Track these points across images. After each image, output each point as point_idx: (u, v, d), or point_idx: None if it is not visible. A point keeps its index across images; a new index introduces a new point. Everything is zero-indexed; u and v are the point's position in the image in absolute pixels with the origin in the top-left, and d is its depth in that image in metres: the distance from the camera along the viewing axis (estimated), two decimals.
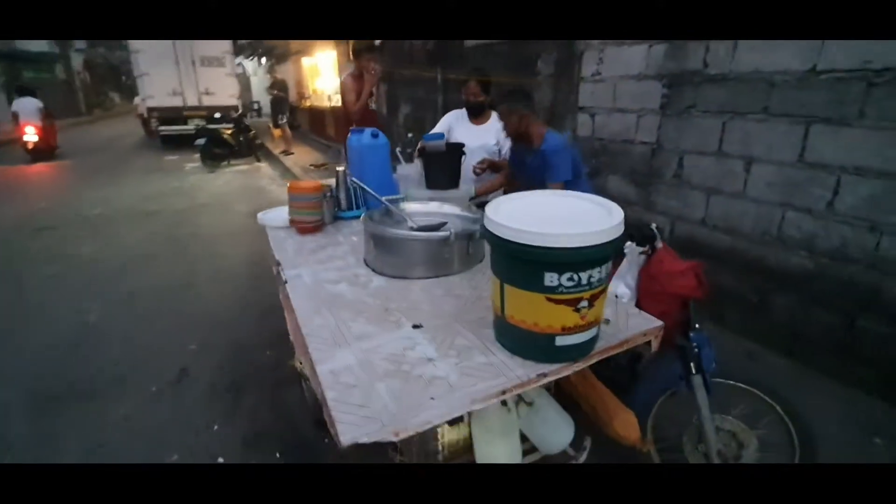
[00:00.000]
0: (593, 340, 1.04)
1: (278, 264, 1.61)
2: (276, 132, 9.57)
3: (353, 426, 0.84)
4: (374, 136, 2.17)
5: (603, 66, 3.34)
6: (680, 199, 2.95)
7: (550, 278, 0.92)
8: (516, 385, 0.96)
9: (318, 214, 1.92)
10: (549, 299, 0.94)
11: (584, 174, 2.29)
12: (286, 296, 1.39)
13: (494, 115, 2.76)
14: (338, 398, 0.91)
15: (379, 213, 1.70)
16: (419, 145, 2.25)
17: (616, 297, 1.37)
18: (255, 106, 15.63)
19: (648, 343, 1.18)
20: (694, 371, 1.45)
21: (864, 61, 2.00)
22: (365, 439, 0.81)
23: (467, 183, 2.59)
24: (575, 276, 0.92)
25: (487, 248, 1.66)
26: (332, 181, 2.21)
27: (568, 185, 2.10)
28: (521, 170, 2.21)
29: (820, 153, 2.22)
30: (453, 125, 2.89)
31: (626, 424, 1.38)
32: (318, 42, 9.64)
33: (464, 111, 2.86)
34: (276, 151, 9.34)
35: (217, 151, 8.26)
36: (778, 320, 2.52)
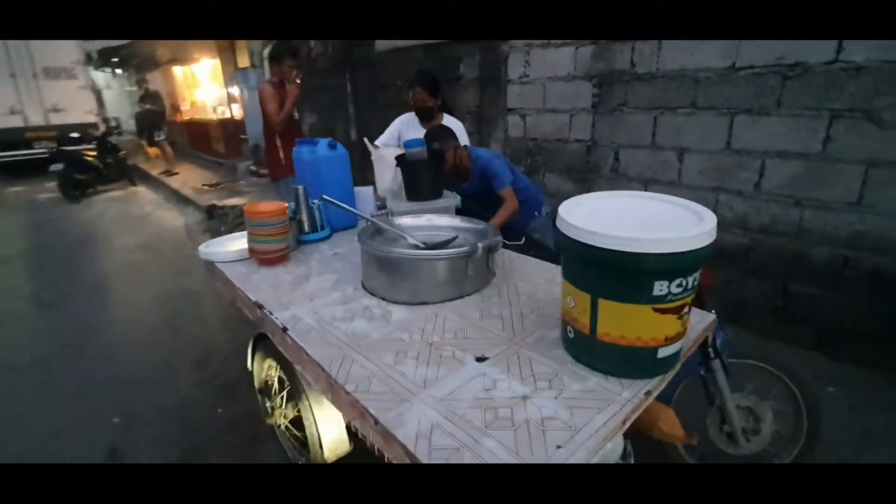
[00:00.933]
0: (682, 346, 0.98)
1: (261, 307, 1.32)
2: (153, 151, 8.39)
3: None
4: (332, 146, 1.94)
5: (530, 69, 3.41)
6: None
7: (660, 287, 0.83)
8: (632, 410, 0.85)
9: (285, 241, 1.64)
10: (657, 309, 0.85)
11: (518, 170, 2.41)
12: (295, 346, 1.13)
13: (447, 118, 2.66)
14: None
15: (369, 232, 1.49)
16: (391, 153, 2.08)
17: None
18: (113, 123, 13.66)
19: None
20: (713, 356, 1.49)
21: (778, 57, 2.27)
22: None
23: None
24: (684, 282, 0.84)
25: (500, 263, 1.54)
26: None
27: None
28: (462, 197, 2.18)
29: (745, 141, 2.48)
30: (403, 131, 2.73)
31: (670, 423, 1.35)
32: (196, 49, 8.67)
33: (413, 115, 2.72)
34: (156, 172, 8.19)
35: (80, 177, 6.97)
36: (719, 293, 2.76)
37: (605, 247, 0.82)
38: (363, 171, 3.06)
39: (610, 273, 0.86)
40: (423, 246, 1.38)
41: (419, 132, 2.66)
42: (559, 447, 0.76)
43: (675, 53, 2.62)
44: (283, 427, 1.66)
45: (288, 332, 1.17)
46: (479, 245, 1.26)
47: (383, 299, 1.32)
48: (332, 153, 1.94)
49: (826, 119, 2.20)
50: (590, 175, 3.24)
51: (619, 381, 0.92)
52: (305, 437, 1.56)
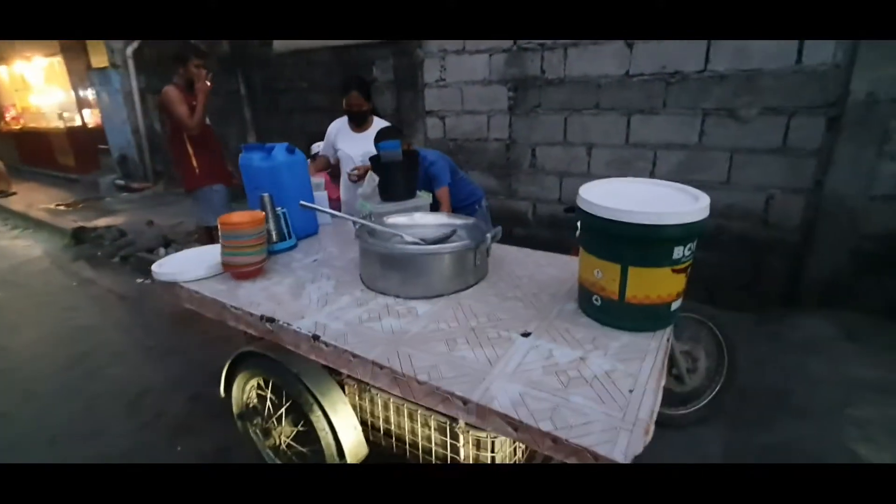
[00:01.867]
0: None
1: (271, 320, 1.27)
2: None
3: (606, 444, 0.78)
4: (290, 151, 1.88)
5: (447, 73, 3.58)
6: (537, 185, 3.44)
7: (678, 251, 1.03)
8: (664, 354, 1.05)
9: (264, 251, 1.56)
10: (674, 270, 1.06)
11: (462, 173, 2.63)
12: (335, 351, 1.12)
13: (377, 121, 2.70)
14: (556, 426, 0.83)
15: (365, 234, 1.50)
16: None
17: None
18: None
19: None
20: None
21: (661, 66, 2.75)
22: (637, 450, 0.77)
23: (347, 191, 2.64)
24: (692, 246, 1.06)
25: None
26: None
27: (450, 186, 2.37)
28: None
29: (641, 136, 2.94)
30: (336, 135, 2.72)
31: None
32: (27, 45, 7.23)
33: (345, 120, 2.72)
34: None
35: None
36: None
37: (638, 222, 1.00)
38: None
39: (639, 244, 1.04)
40: (422, 242, 1.44)
41: (351, 138, 2.67)
42: (631, 391, 0.92)
43: (579, 62, 3.00)
44: (283, 447, 1.58)
45: (321, 339, 1.16)
46: (488, 235, 1.37)
47: (397, 297, 1.36)
48: (291, 158, 1.88)
49: (700, 116, 2.73)
50: (510, 171, 3.53)
51: (642, 334, 1.11)
52: (312, 451, 1.52)
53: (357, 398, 1.61)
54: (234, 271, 1.53)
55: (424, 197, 1.83)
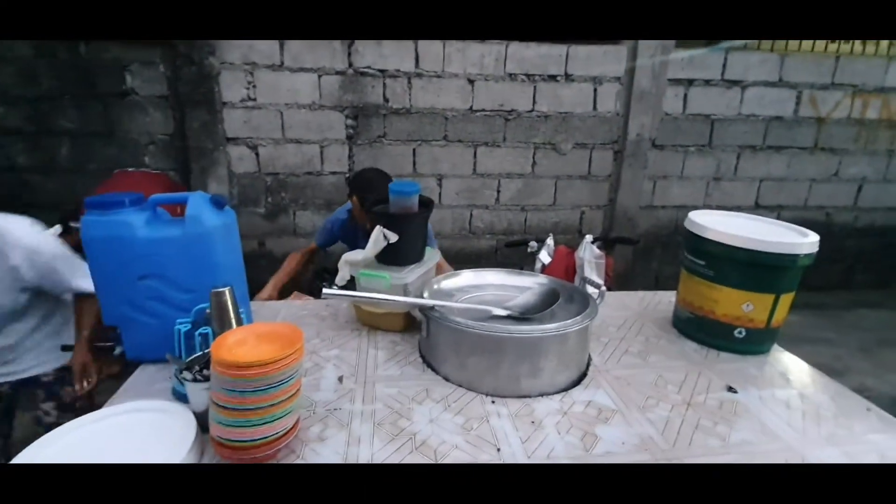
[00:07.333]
0: None
1: None
2: None
3: None
4: (219, 205, 1.15)
5: (258, 92, 2.87)
6: None
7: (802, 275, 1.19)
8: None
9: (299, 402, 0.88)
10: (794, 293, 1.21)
11: None
12: None
13: None
14: None
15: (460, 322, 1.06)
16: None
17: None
18: None
19: None
20: None
21: (499, 104, 3.03)
22: None
23: None
24: None
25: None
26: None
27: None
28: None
29: (486, 166, 3.16)
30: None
31: None
32: None
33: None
34: None
35: None
36: None
37: (795, 252, 1.10)
38: None
39: (790, 272, 1.14)
40: (517, 315, 1.14)
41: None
42: (868, 409, 1.00)
43: (425, 94, 2.96)
44: None
45: None
46: (604, 289, 1.21)
47: (540, 395, 1.03)
48: (225, 219, 1.14)
49: (532, 149, 3.16)
50: None
51: (775, 350, 1.23)
52: None
53: None
54: (245, 456, 0.79)
55: (434, 253, 1.43)
